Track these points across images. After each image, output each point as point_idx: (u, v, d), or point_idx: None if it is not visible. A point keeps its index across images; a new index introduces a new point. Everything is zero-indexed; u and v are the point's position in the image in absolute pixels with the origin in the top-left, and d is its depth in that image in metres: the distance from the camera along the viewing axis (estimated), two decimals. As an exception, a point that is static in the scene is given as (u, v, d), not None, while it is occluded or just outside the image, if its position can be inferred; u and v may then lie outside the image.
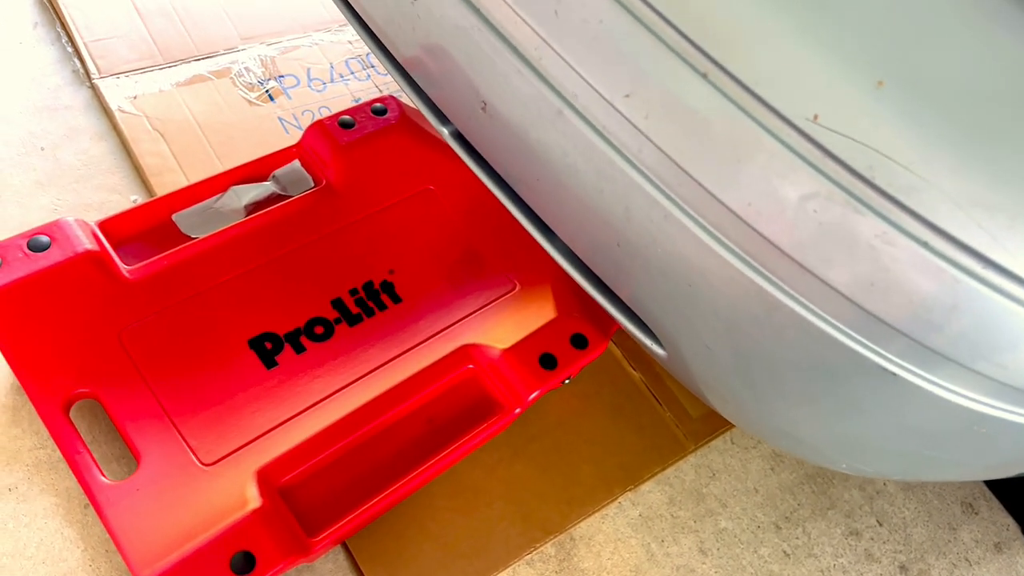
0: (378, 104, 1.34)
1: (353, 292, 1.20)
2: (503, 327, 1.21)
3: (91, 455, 0.99)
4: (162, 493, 0.99)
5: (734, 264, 0.45)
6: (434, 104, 0.70)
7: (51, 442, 1.06)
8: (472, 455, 1.14)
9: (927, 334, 0.42)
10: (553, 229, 0.64)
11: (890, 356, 0.44)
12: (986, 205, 0.39)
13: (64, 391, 1.02)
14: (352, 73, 1.53)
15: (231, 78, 1.46)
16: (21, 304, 1.04)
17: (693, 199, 0.46)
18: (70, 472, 1.04)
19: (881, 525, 1.27)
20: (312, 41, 1.55)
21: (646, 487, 1.22)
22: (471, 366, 1.16)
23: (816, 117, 0.41)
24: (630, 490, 1.20)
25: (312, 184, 1.28)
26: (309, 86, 1.49)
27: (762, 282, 0.45)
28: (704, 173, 0.45)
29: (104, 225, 1.14)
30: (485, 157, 0.64)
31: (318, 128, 1.28)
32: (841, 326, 0.44)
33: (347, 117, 1.30)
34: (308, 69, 1.51)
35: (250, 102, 1.44)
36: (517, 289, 1.25)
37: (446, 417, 1.13)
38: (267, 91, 1.46)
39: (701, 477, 1.25)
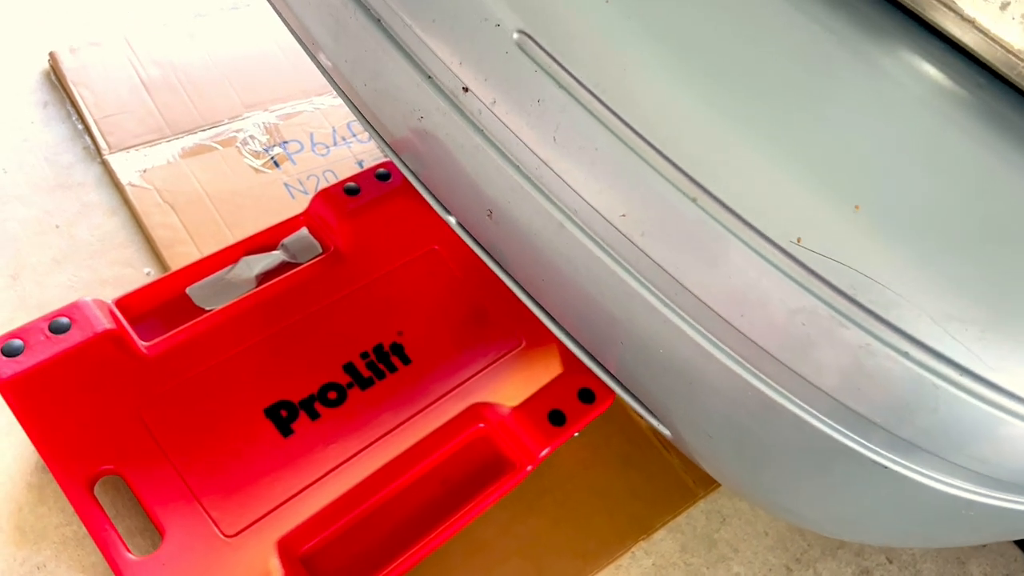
0: (381, 169, 1.38)
1: (364, 356, 1.24)
2: (511, 384, 1.24)
3: (116, 532, 1.02)
4: (188, 567, 1.01)
5: (731, 367, 0.49)
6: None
7: (77, 519, 1.09)
8: (486, 512, 1.16)
9: (912, 433, 0.45)
10: (557, 320, 0.67)
11: (879, 450, 0.47)
12: (959, 319, 0.42)
13: (88, 469, 1.05)
14: (354, 136, 1.58)
15: (236, 146, 1.50)
16: (44, 386, 1.07)
17: (690, 308, 0.49)
18: (96, 548, 1.07)
19: (891, 562, 1.29)
20: (314, 106, 1.60)
21: (658, 536, 1.24)
22: (482, 425, 1.19)
23: (799, 240, 0.44)
24: (643, 540, 1.23)
25: (320, 250, 1.32)
26: (313, 151, 1.53)
27: (758, 383, 0.48)
28: (698, 286, 0.48)
29: (121, 303, 1.17)
30: (490, 251, 0.68)
31: (324, 196, 1.32)
32: (832, 423, 0.48)
33: (352, 184, 1.34)
34: (311, 134, 1.55)
35: (256, 169, 1.48)
36: (524, 345, 1.28)
37: (459, 477, 1.16)
38: (272, 158, 1.50)
39: (712, 523, 1.27)
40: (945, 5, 0.48)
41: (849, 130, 0.47)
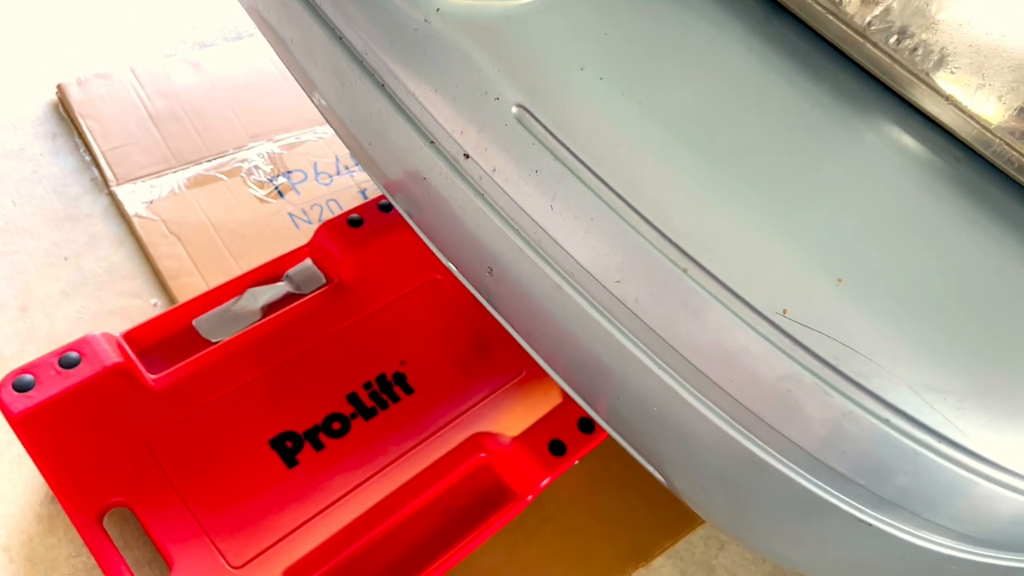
0: (384, 200, 1.40)
1: (367, 386, 1.26)
2: (512, 414, 1.26)
3: (125, 563, 1.04)
4: (195, 597, 1.03)
5: (721, 427, 0.51)
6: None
7: (86, 550, 1.11)
8: (488, 540, 1.18)
9: (892, 493, 0.47)
10: (553, 367, 0.70)
11: (862, 507, 0.49)
12: (937, 389, 0.45)
13: (97, 501, 1.08)
14: (357, 165, 1.60)
15: (241, 176, 1.53)
16: (55, 420, 1.09)
17: (682, 370, 0.52)
18: (105, 579, 1.09)
19: (887, 587, 1.31)
20: (317, 135, 1.62)
21: (657, 562, 1.26)
22: (483, 455, 1.21)
23: (785, 311, 0.47)
24: (642, 566, 1.25)
25: (324, 281, 1.34)
26: (316, 180, 1.55)
27: (747, 443, 0.50)
28: (690, 351, 0.50)
29: (128, 336, 1.20)
30: (487, 299, 0.70)
31: (328, 227, 1.35)
32: (818, 481, 0.50)
33: (355, 215, 1.37)
34: (315, 163, 1.58)
35: (260, 199, 1.50)
36: (524, 375, 1.31)
37: (461, 506, 1.18)
38: (276, 187, 1.53)
39: (710, 549, 1.29)
40: (924, 83, 0.50)
41: (832, 205, 0.49)
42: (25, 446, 1.06)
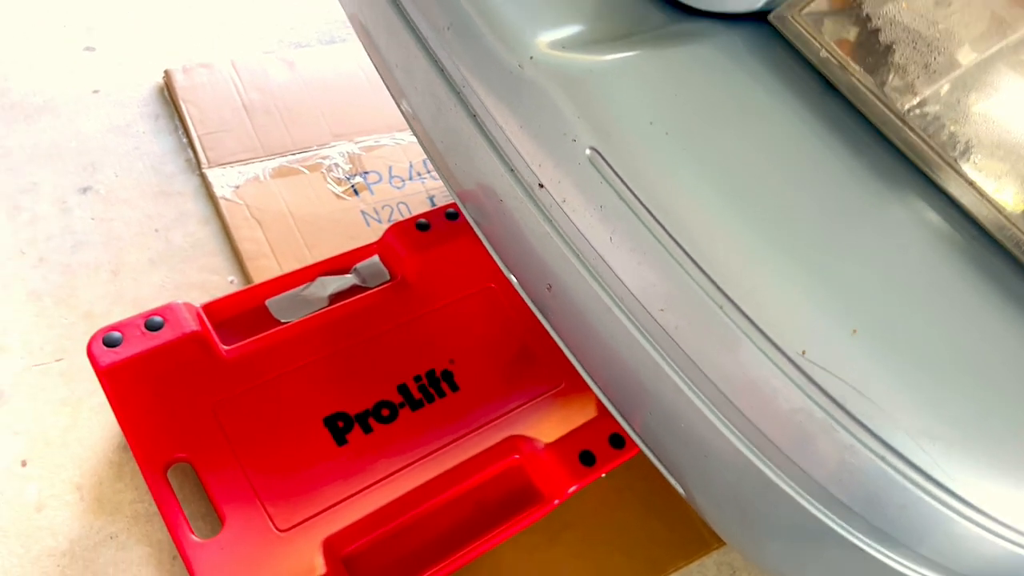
0: (451, 209, 1.49)
1: (417, 379, 1.35)
2: (548, 422, 1.33)
3: (183, 514, 1.14)
4: (242, 553, 1.13)
5: (739, 448, 0.58)
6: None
7: (148, 497, 1.21)
8: (512, 537, 1.26)
9: (884, 523, 0.54)
10: (594, 378, 0.77)
11: (858, 534, 0.56)
12: (930, 435, 0.51)
13: (164, 454, 1.18)
14: (429, 172, 1.70)
15: (322, 172, 1.63)
16: (136, 376, 1.20)
17: (710, 393, 0.59)
18: (163, 526, 1.19)
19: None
20: (395, 140, 1.73)
21: (670, 580, 1.32)
22: (517, 456, 1.29)
23: (804, 352, 0.54)
24: (655, 581, 1.31)
25: (388, 278, 1.44)
26: (390, 183, 1.65)
27: (761, 465, 0.57)
28: (718, 377, 0.57)
29: (208, 308, 1.30)
30: (542, 311, 0.78)
31: (397, 229, 1.44)
32: (820, 507, 0.56)
33: (423, 220, 1.46)
34: (390, 167, 1.68)
35: (337, 195, 1.61)
36: (563, 387, 1.38)
37: (491, 502, 1.26)
38: (353, 186, 1.63)
39: (722, 573, 1.35)
40: (951, 168, 0.57)
41: (857, 265, 0.56)
42: (107, 396, 1.17)
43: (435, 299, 1.43)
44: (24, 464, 1.21)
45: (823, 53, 0.62)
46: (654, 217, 0.58)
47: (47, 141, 1.55)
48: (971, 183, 0.56)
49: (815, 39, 0.62)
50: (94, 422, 1.25)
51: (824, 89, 0.63)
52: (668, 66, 0.64)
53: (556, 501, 1.25)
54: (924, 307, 0.55)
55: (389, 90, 0.90)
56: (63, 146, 1.55)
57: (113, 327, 1.21)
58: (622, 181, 0.60)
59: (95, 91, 1.64)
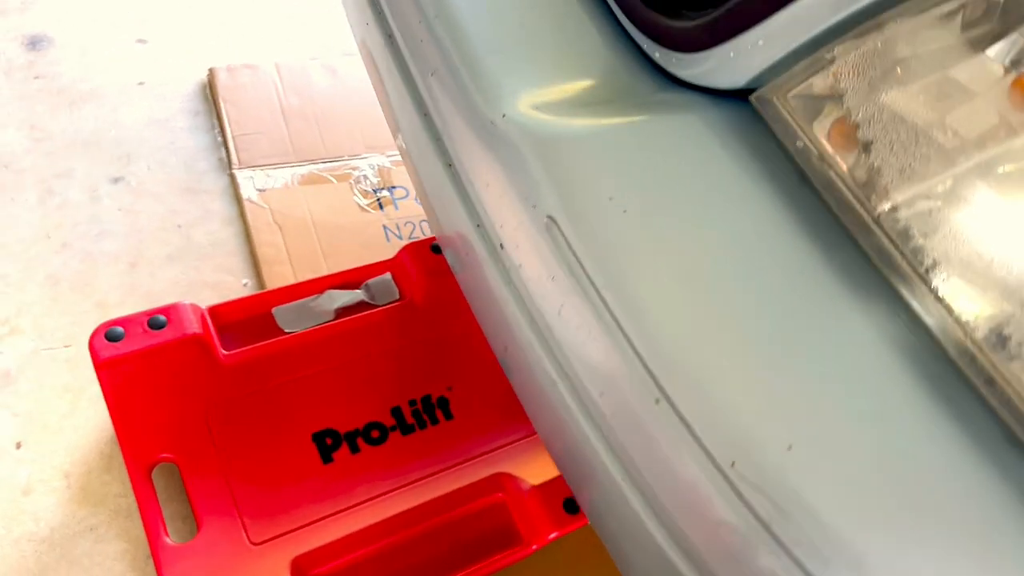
0: (468, 234, 1.48)
1: (412, 403, 1.34)
2: (537, 462, 1.31)
3: (161, 516, 1.15)
4: (212, 562, 1.13)
5: (666, 551, 0.55)
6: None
7: (132, 493, 1.23)
8: (487, 576, 1.24)
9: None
10: (547, 446, 0.75)
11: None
12: (859, 571, 0.47)
13: (152, 453, 1.19)
14: (456, 192, 1.69)
15: (350, 183, 1.64)
16: (132, 372, 1.21)
17: (640, 486, 0.56)
18: (142, 524, 1.20)
19: None
20: (427, 157, 1.72)
21: (646, 640, 1.28)
22: (501, 494, 1.27)
23: (734, 463, 0.50)
24: (629, 640, 1.27)
25: (398, 297, 1.43)
26: (416, 200, 1.65)
27: (683, 567, 0.54)
28: (650, 475, 0.54)
29: (213, 310, 1.31)
30: (504, 369, 0.76)
31: (412, 249, 1.43)
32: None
33: (438, 243, 1.45)
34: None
35: (362, 208, 1.61)
36: (559, 428, 1.35)
37: (470, 538, 1.24)
38: (378, 199, 1.63)
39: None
40: (920, 280, 0.53)
41: (803, 378, 0.52)
42: (103, 390, 1.19)
43: (441, 324, 1.41)
44: (19, 446, 1.24)
45: (800, 142, 0.58)
46: (601, 298, 0.56)
47: (88, 129, 1.59)
48: (939, 300, 0.52)
49: (794, 126, 0.58)
50: (91, 412, 1.27)
51: (799, 180, 0.60)
52: (640, 138, 0.61)
53: (535, 546, 1.22)
54: (870, 428, 0.51)
55: (388, 122, 0.89)
56: (102, 135, 1.58)
57: (116, 322, 1.23)
58: (574, 255, 0.57)
59: (140, 83, 1.68)
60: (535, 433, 1.34)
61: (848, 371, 0.52)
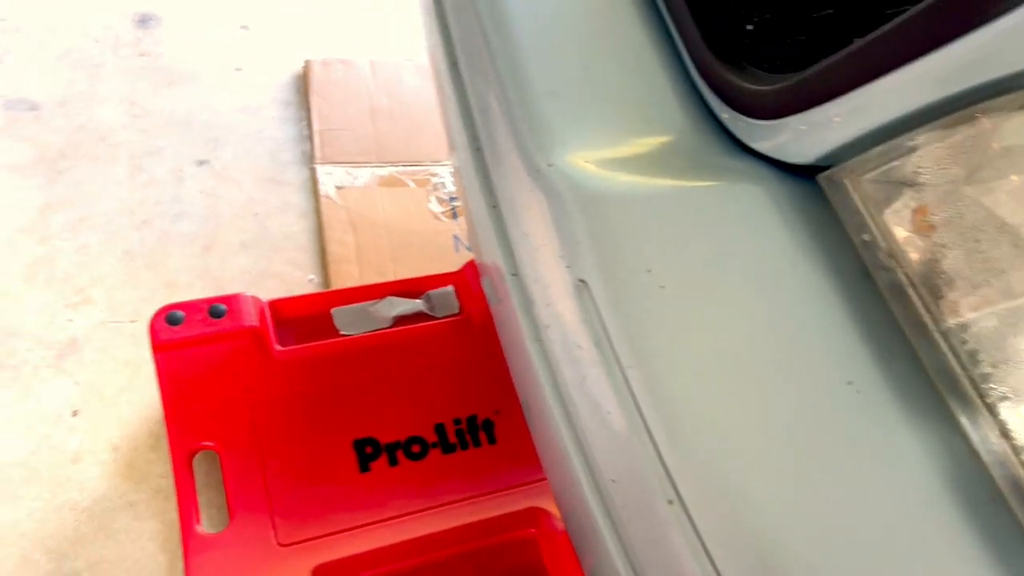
0: (536, 256, 1.44)
1: (456, 422, 1.31)
2: (576, 503, 1.26)
3: (196, 503, 1.16)
4: (238, 557, 1.14)
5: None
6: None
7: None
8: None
9: None
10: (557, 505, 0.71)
11: None
12: None
13: (195, 439, 1.21)
14: (532, 209, 1.66)
15: (428, 189, 1.63)
16: (186, 358, 1.23)
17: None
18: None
19: None
20: (508, 170, 1.69)
21: None
22: (534, 531, 1.23)
23: (743, 583, 0.45)
24: None
25: (457, 311, 1.41)
26: (490, 212, 1.62)
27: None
28: (652, 571, 0.50)
29: (273, 304, 1.32)
30: (526, 418, 0.73)
31: (477, 265, 1.41)
32: None
33: (505, 261, 1.42)
34: (495, 196, 1.65)
35: (435, 215, 1.60)
36: (604, 468, 1.30)
37: (495, 570, 1.21)
38: (453, 208, 1.61)
39: None
40: (982, 406, 0.46)
41: (839, 502, 0.46)
42: (157, 371, 1.21)
43: (497, 345, 1.38)
44: (75, 414, 1.27)
45: (867, 235, 0.52)
46: (625, 377, 0.51)
47: (183, 110, 1.63)
48: (1005, 436, 0.45)
49: (863, 215, 0.52)
50: (147, 389, 1.30)
51: (862, 274, 0.53)
52: (691, 206, 0.56)
53: (560, 588, 1.18)
54: (905, 563, 0.45)
55: (447, 137, 0.87)
56: (195, 117, 1.62)
57: (178, 306, 1.25)
58: (602, 326, 0.53)
59: (238, 69, 1.71)
60: (577, 471, 1.30)
61: (890, 499, 0.46)
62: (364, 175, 1.61)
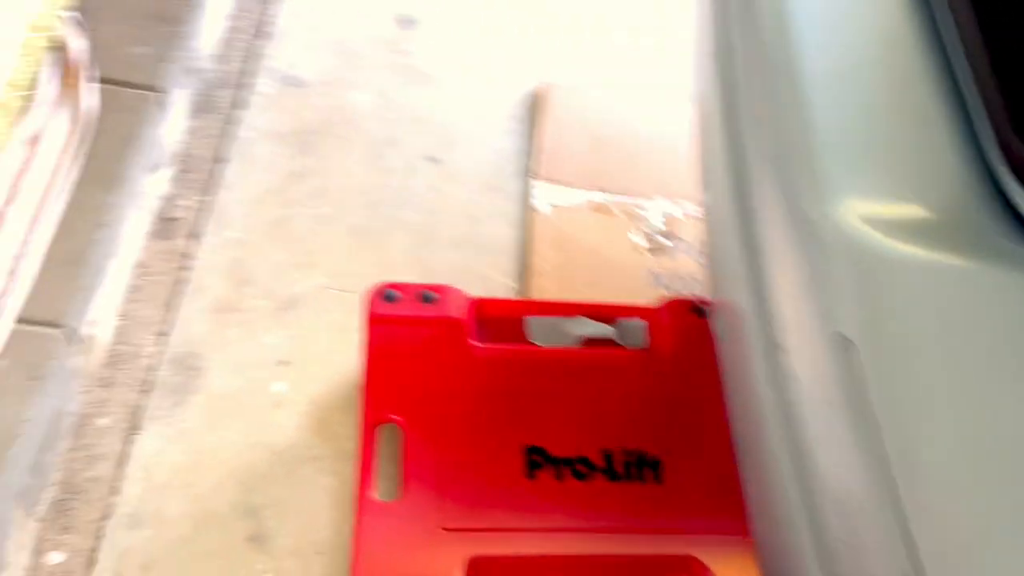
0: (736, 308, 1.43)
1: (626, 452, 1.32)
2: (733, 564, 1.24)
3: (373, 470, 1.24)
4: (404, 529, 1.20)
5: None
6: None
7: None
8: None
9: None
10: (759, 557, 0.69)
11: None
12: None
13: (384, 411, 1.29)
14: (735, 261, 1.64)
15: (633, 221, 1.66)
16: (395, 334, 1.31)
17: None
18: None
19: None
20: (717, 218, 1.69)
21: None
22: (686, 579, 1.21)
23: None
24: None
25: (645, 345, 1.42)
26: (691, 255, 1.63)
27: None
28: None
29: (478, 302, 1.38)
30: (740, 461, 0.72)
31: (675, 304, 1.41)
32: None
33: (702, 306, 1.42)
34: (700, 242, 1.65)
35: (636, 247, 1.62)
36: (767, 535, 1.27)
37: (639, 609, 1.20)
38: (657, 245, 1.63)
39: None
40: None
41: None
42: (366, 340, 1.30)
43: (681, 386, 1.38)
44: (284, 364, 1.39)
45: None
46: (882, 448, 0.51)
47: (424, 108, 1.74)
48: None
49: None
50: (350, 355, 1.39)
51: None
52: (983, 289, 0.55)
53: (704, 648, 1.16)
54: None
55: (700, 176, 0.89)
56: (434, 116, 1.74)
57: (395, 285, 1.33)
58: (865, 390, 0.53)
59: (480, 77, 1.82)
60: (742, 534, 1.27)
61: None
62: (577, 197, 1.66)
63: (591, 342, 1.41)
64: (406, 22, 1.87)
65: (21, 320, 1.18)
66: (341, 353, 1.40)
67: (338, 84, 1.74)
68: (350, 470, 1.30)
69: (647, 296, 1.53)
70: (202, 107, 1.64)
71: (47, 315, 1.20)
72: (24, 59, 1.33)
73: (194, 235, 1.50)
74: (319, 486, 1.29)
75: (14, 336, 1.16)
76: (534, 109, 1.79)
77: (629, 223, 1.66)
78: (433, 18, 1.89)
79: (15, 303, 1.19)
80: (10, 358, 1.15)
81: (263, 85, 1.71)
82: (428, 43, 1.85)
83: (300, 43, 1.79)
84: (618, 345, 1.41)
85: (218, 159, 1.59)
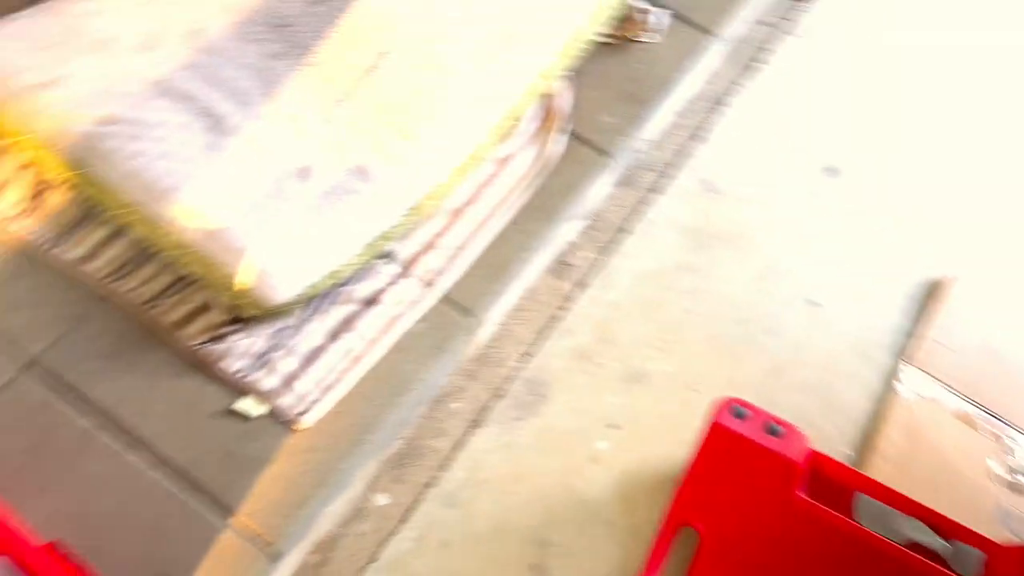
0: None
1: None
2: None
3: (661, 565, 1.27)
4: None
5: None
6: None
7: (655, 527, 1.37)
8: None
9: None
10: None
11: None
12: None
13: (692, 513, 1.32)
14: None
15: (995, 446, 1.54)
16: (730, 448, 1.34)
17: None
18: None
19: None
20: (1096, 484, 1.52)
21: None
22: None
23: None
24: None
25: (969, 572, 1.31)
26: (1055, 511, 1.48)
27: None
28: None
29: (817, 455, 1.37)
30: None
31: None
32: None
33: (1058, 571, 1.28)
34: (1068, 501, 1.50)
35: (993, 475, 1.51)
36: None
37: None
38: (1018, 484, 1.50)
39: None
40: None
41: None
42: (702, 443, 1.34)
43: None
44: (613, 427, 1.48)
45: None
46: None
47: (825, 248, 1.78)
48: None
49: None
50: (673, 444, 1.44)
51: None
52: None
53: None
54: None
55: None
56: (831, 260, 1.76)
57: (747, 404, 1.36)
58: None
59: (898, 246, 1.81)
60: None
61: None
62: (946, 398, 1.59)
63: (917, 547, 1.33)
64: (831, 171, 1.92)
65: (444, 299, 1.38)
66: (666, 439, 1.46)
67: (750, 203, 1.83)
68: (637, 549, 1.34)
69: (987, 531, 1.42)
70: (626, 180, 1.81)
71: (464, 302, 1.39)
72: (524, 96, 1.57)
73: (581, 284, 1.65)
74: (605, 549, 1.35)
75: (435, 309, 1.36)
76: (930, 295, 1.74)
77: (992, 446, 1.55)
78: (857, 171, 1.93)
79: (446, 283, 1.40)
80: (427, 325, 1.34)
81: (683, 180, 1.84)
82: (847, 193, 1.89)
83: (728, 155, 1.90)
84: (947, 565, 1.32)
85: (623, 228, 1.74)
